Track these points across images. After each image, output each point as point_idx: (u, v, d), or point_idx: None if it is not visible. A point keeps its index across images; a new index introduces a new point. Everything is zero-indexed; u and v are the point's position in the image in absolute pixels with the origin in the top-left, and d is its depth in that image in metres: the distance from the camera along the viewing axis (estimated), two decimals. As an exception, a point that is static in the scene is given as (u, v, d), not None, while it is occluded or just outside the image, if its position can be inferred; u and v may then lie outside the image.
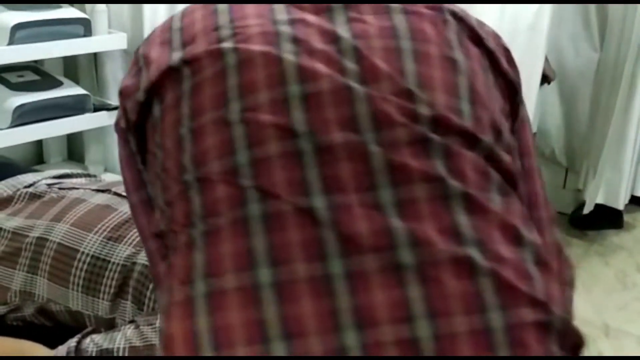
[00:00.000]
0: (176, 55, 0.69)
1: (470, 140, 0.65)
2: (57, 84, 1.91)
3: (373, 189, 0.61)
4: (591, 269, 2.24)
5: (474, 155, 0.65)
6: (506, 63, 0.73)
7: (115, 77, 2.07)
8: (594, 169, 2.37)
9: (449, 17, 0.70)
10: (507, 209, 0.65)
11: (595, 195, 2.30)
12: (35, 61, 1.98)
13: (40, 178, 1.25)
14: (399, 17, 0.69)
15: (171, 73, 0.68)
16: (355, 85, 0.64)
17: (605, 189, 2.29)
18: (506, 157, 0.67)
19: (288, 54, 0.66)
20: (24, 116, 1.80)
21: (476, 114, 0.66)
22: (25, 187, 1.21)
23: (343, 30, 0.68)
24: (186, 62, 0.68)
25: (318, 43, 0.67)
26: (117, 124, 0.74)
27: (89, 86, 2.07)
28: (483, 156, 0.65)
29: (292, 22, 0.68)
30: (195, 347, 0.59)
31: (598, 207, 2.38)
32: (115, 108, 2.00)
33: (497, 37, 0.75)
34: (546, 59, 2.08)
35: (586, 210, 2.32)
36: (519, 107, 0.75)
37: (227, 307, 0.59)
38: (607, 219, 2.38)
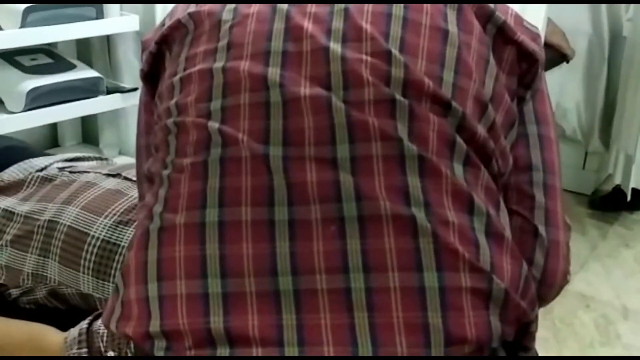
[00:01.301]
0: (187, 10, 0.74)
1: (443, 107, 0.65)
2: (71, 66, 1.91)
3: (331, 143, 0.63)
4: (611, 251, 2.21)
5: (443, 121, 0.65)
6: (524, 35, 0.72)
7: (128, 59, 2.06)
8: (624, 152, 2.33)
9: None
10: (466, 179, 0.64)
11: (629, 181, 2.28)
12: (49, 44, 1.97)
13: (52, 161, 1.25)
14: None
15: (180, 27, 0.73)
16: (334, 45, 0.66)
17: (637, 172, 2.27)
18: (481, 131, 0.67)
19: (281, 13, 0.69)
20: (38, 99, 1.80)
21: (458, 83, 0.66)
22: (37, 170, 1.21)
23: None
24: (191, 16, 0.73)
25: (313, 5, 0.70)
26: (141, 70, 0.79)
27: (102, 69, 2.07)
28: (456, 125, 0.65)
29: None
30: (143, 277, 0.64)
31: (617, 188, 2.34)
32: (128, 90, 1.99)
33: (518, 17, 0.74)
34: (564, 37, 2.04)
35: (629, 197, 2.30)
36: (534, 78, 0.74)
37: (174, 242, 0.63)
38: (626, 201, 2.35)
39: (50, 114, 1.85)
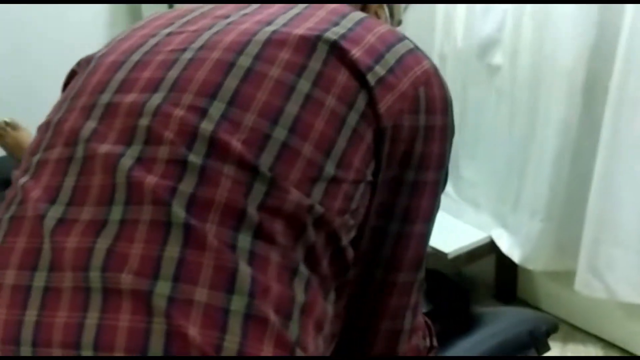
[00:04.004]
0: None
1: (249, 170, 0.58)
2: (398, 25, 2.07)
3: (109, 203, 0.58)
4: None
5: (237, 187, 0.58)
6: (388, 107, 0.64)
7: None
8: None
9: (322, 45, 0.64)
10: (253, 251, 0.57)
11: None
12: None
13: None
14: (264, 31, 0.65)
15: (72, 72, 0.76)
16: (156, 96, 0.63)
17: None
18: (291, 199, 0.59)
19: (127, 64, 0.67)
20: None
21: (290, 142, 0.60)
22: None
23: (202, 37, 0.67)
24: (79, 62, 0.75)
25: (167, 51, 0.67)
26: None
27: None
28: (264, 191, 0.58)
29: (170, 32, 0.70)
30: None
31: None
32: None
33: (416, 81, 0.66)
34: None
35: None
36: (390, 159, 0.66)
37: None
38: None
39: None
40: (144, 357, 0.52)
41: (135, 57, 0.68)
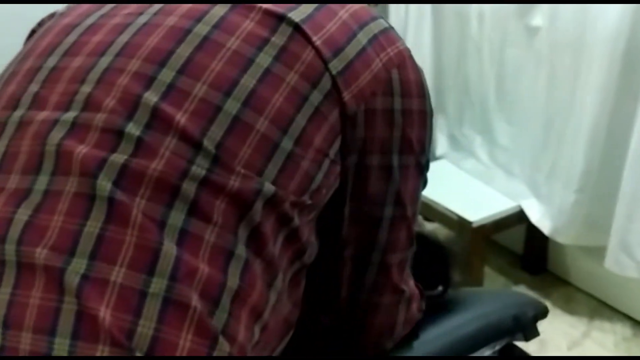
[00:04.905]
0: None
1: (192, 146, 0.55)
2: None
3: (36, 172, 0.55)
4: None
5: (178, 161, 0.54)
6: (359, 91, 0.62)
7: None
8: None
9: (286, 26, 0.60)
10: (185, 229, 0.53)
11: None
12: None
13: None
14: (223, 6, 0.62)
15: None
16: (104, 60, 0.60)
17: None
18: (236, 179, 0.55)
19: (79, 27, 0.65)
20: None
21: (243, 116, 0.57)
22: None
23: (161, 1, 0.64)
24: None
25: (123, 14, 0.64)
26: None
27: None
28: (207, 167, 0.55)
29: (111, 12, 0.65)
30: None
31: None
32: None
33: (384, 68, 0.63)
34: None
35: None
36: (357, 145, 0.63)
37: None
38: None
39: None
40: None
41: (90, 20, 0.65)
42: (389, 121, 0.65)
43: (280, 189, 0.57)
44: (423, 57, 2.12)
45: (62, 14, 0.69)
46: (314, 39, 0.60)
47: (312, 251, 0.64)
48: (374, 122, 0.64)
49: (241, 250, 0.55)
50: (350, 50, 0.62)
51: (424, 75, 0.68)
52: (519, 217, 1.89)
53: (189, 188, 0.54)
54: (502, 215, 1.88)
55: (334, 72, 0.60)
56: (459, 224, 1.85)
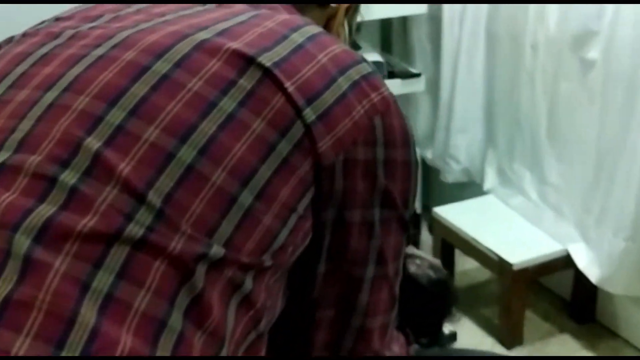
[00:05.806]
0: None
1: (134, 198, 0.50)
2: (355, 48, 2.10)
3: None
4: None
5: (117, 217, 0.49)
6: (337, 140, 0.56)
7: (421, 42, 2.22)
8: None
9: (255, 69, 0.55)
10: (99, 295, 0.47)
11: None
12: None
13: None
14: (194, 37, 0.57)
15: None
16: (46, 95, 0.55)
17: None
18: (179, 240, 0.50)
19: (32, 56, 0.60)
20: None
21: (197, 166, 0.51)
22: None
23: (122, 34, 0.59)
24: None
25: (79, 45, 0.59)
26: None
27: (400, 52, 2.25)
28: (147, 224, 0.50)
29: (94, 26, 0.62)
30: None
31: None
32: (410, 76, 2.07)
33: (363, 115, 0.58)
34: None
35: None
36: (336, 198, 0.58)
37: None
38: None
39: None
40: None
41: (44, 50, 0.60)
42: (371, 173, 0.59)
43: (232, 251, 0.52)
44: (475, 84, 2.04)
45: (18, 41, 0.64)
46: (287, 84, 0.55)
47: (270, 318, 0.58)
48: (354, 173, 0.58)
49: (176, 320, 0.49)
50: (329, 96, 0.57)
51: (408, 122, 0.63)
52: (566, 261, 1.77)
53: (122, 247, 0.49)
54: (547, 259, 1.76)
55: (307, 120, 0.55)
56: (499, 265, 1.74)
